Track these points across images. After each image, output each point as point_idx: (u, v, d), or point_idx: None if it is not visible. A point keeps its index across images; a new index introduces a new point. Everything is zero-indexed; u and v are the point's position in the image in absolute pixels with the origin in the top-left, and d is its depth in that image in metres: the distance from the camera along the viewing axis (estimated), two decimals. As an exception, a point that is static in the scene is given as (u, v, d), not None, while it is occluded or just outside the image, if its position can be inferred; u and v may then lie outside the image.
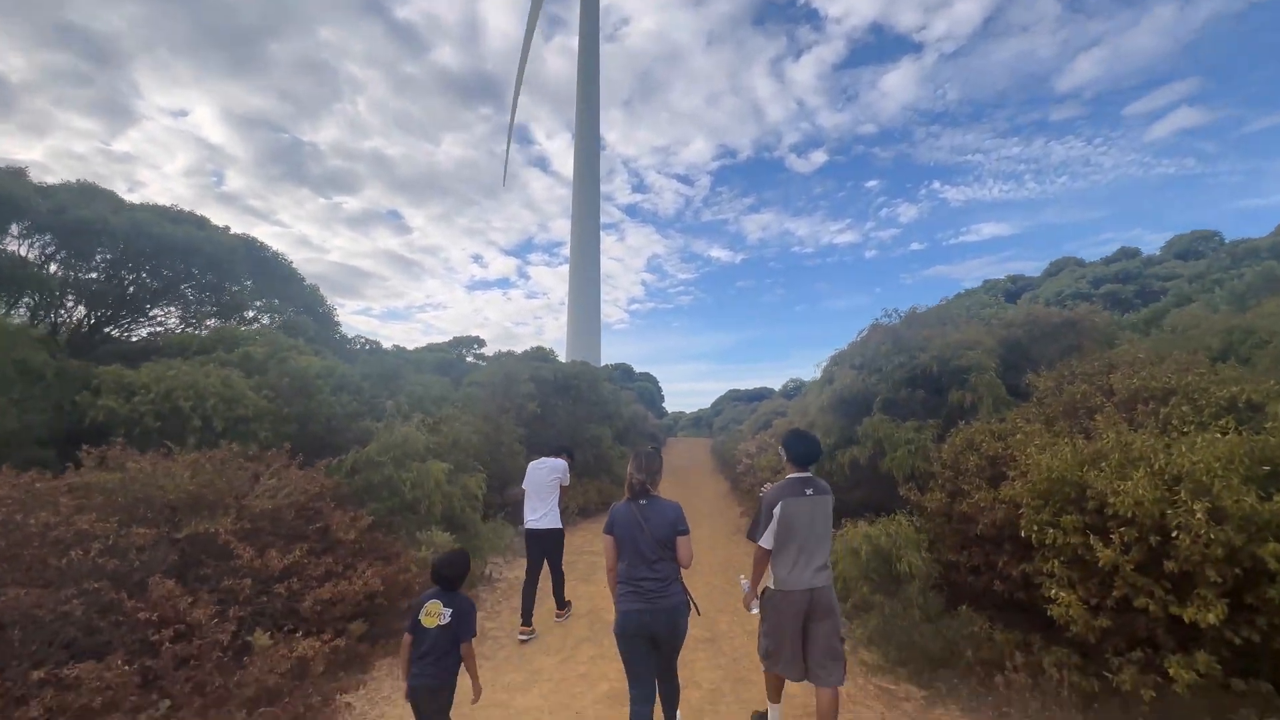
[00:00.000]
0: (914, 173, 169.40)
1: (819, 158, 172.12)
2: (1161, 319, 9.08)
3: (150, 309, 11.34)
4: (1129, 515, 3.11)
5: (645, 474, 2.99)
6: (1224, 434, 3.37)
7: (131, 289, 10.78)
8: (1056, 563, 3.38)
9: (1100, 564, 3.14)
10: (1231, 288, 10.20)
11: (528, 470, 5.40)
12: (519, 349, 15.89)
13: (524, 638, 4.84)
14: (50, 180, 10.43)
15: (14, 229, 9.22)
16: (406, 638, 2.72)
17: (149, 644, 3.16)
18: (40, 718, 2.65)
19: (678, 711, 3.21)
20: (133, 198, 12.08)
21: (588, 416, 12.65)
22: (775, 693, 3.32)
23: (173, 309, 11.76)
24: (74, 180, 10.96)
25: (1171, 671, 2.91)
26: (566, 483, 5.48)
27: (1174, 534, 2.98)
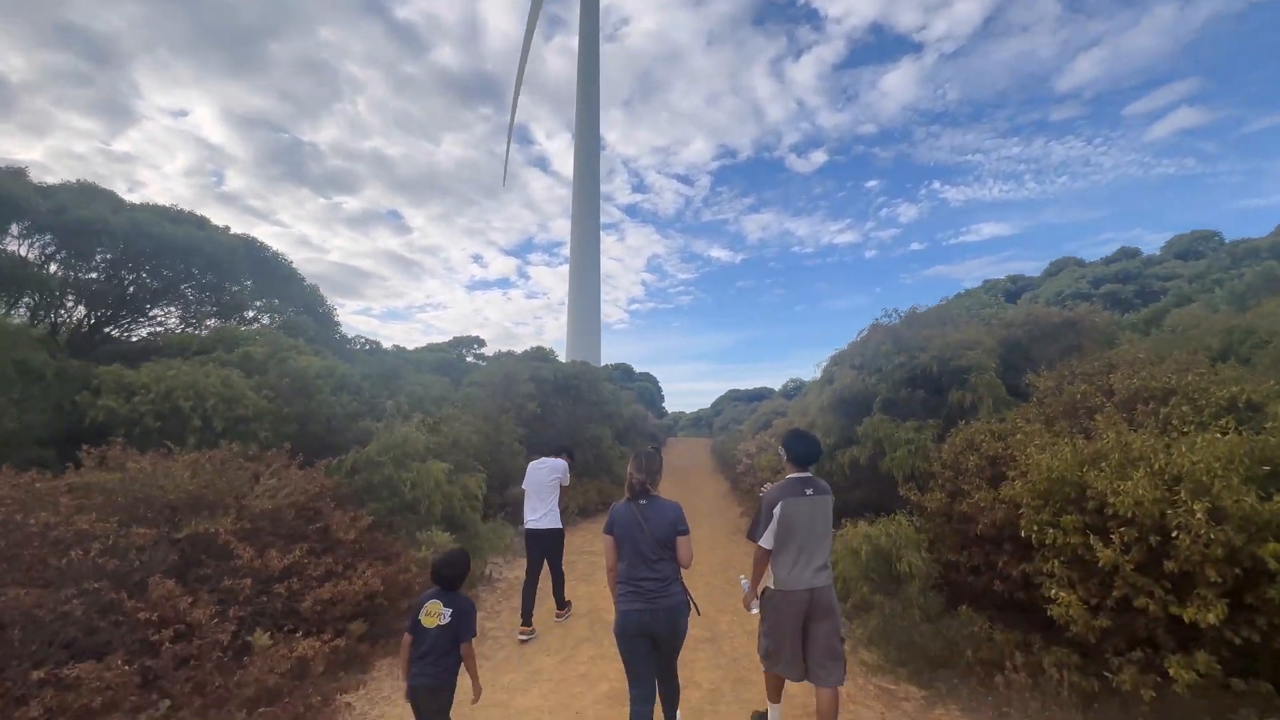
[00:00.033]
0: (914, 173, 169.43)
1: (819, 158, 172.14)
2: (1162, 319, 9.08)
3: (150, 309, 11.35)
4: (1129, 515, 3.12)
5: (645, 474, 2.99)
6: (1224, 434, 3.38)
7: (131, 289, 10.78)
8: (1056, 563, 3.38)
9: (1100, 564, 3.14)
10: (1231, 288, 10.19)
11: (528, 470, 5.39)
12: (519, 349, 15.91)
13: (524, 638, 4.84)
14: (50, 180, 10.45)
15: (14, 229, 9.22)
16: (406, 638, 2.71)
17: (149, 644, 3.16)
18: (40, 718, 2.65)
19: (677, 712, 3.21)
20: (133, 198, 12.10)
21: (588, 416, 12.65)
22: (775, 693, 3.32)
23: (173, 309, 11.77)
24: (74, 180, 10.96)
25: (1171, 671, 2.91)
26: (567, 483, 5.47)
27: (1174, 534, 2.98)
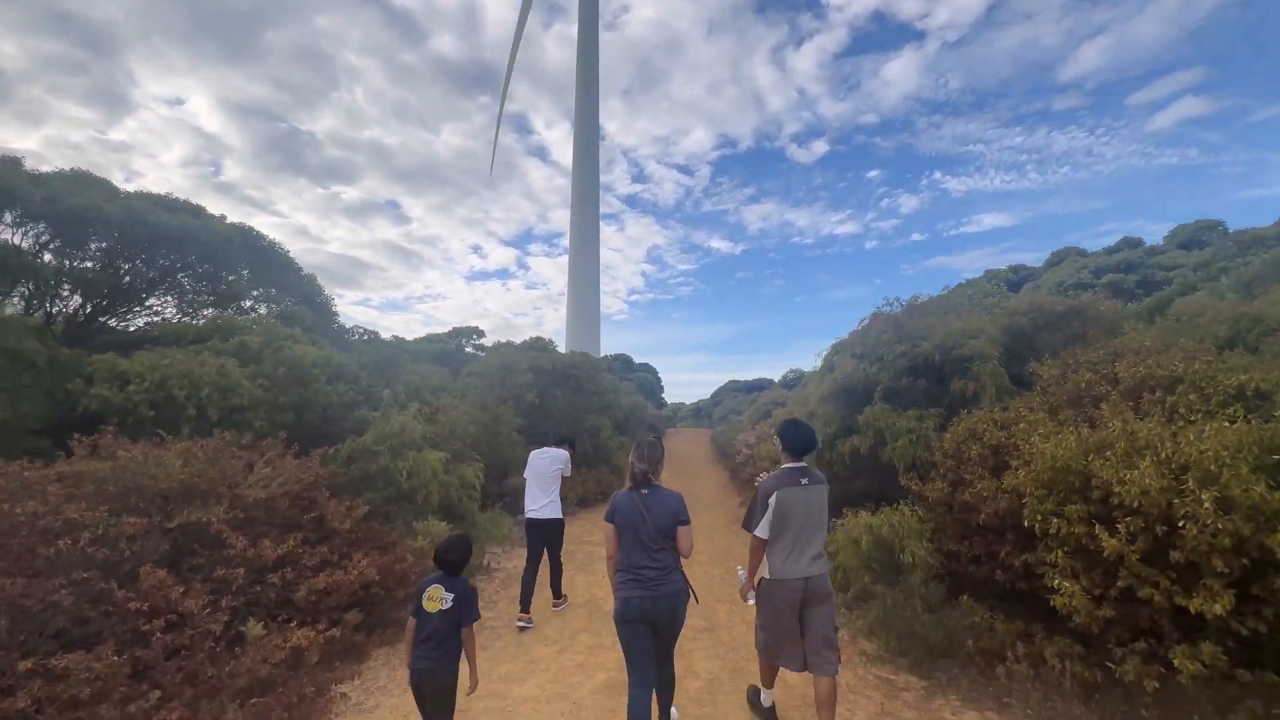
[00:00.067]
0: (915, 163, 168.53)
1: (820, 148, 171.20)
2: (1166, 308, 8.99)
3: (146, 298, 11.27)
4: (1135, 505, 3.06)
5: (648, 463, 2.98)
6: (1232, 422, 3.31)
7: (127, 278, 10.70)
8: (1060, 553, 3.34)
9: (1105, 554, 3.09)
10: (1238, 275, 10.08)
11: (529, 459, 5.35)
12: (519, 340, 15.83)
13: (522, 624, 4.82)
14: (47, 170, 10.29)
15: (7, 217, 9.12)
16: (411, 621, 2.71)
17: (140, 634, 3.12)
18: (28, 709, 2.61)
19: (673, 708, 3.19)
20: (130, 187, 11.97)
21: (587, 407, 12.60)
22: (770, 679, 3.34)
23: (169, 298, 11.69)
24: (68, 168, 10.84)
25: (1176, 662, 2.87)
26: (568, 473, 5.44)
27: (1181, 524, 2.93)
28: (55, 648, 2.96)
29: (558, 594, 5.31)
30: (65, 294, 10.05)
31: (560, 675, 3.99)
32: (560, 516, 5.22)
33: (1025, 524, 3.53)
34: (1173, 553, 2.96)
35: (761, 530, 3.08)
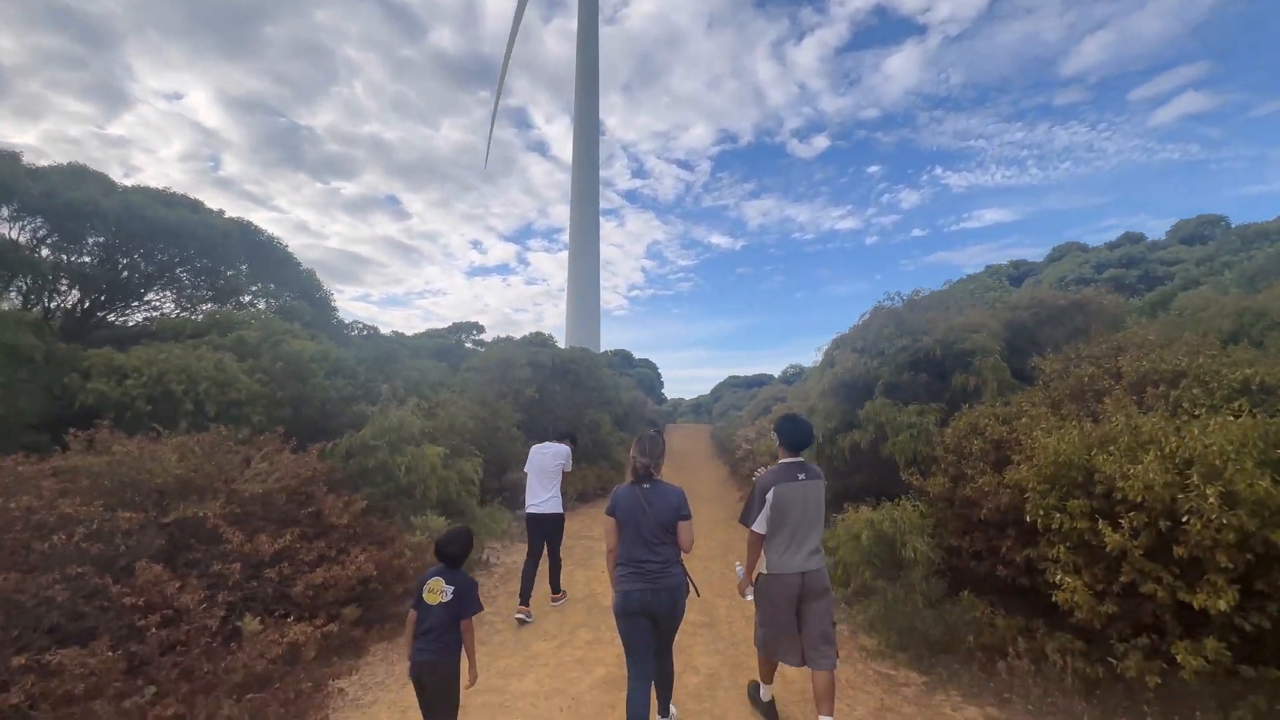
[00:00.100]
0: (916, 158, 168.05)
1: (821, 143, 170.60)
2: (1169, 303, 8.94)
3: (145, 293, 11.21)
4: (1138, 500, 3.03)
5: (649, 458, 2.98)
6: (1237, 417, 3.29)
7: (125, 273, 10.65)
8: (1062, 548, 3.31)
9: (1107, 549, 3.07)
10: (1242, 269, 10.01)
11: (530, 454, 5.33)
12: (519, 335, 15.79)
13: (521, 616, 4.82)
14: (45, 165, 10.23)
15: (4, 211, 9.06)
16: (411, 614, 2.71)
17: (135, 629, 3.10)
18: (22, 704, 2.59)
19: (671, 704, 3.18)
20: (128, 183, 11.90)
21: (586, 402, 12.57)
22: (769, 675, 3.34)
23: (168, 293, 11.63)
24: (65, 163, 10.78)
25: (1179, 658, 2.85)
26: (569, 468, 5.42)
27: (1184, 519, 2.90)
28: (50, 643, 2.94)
29: (556, 589, 5.29)
30: (63, 289, 10.01)
31: (559, 670, 3.98)
32: (561, 511, 5.21)
33: (1027, 519, 3.51)
34: (1176, 548, 2.93)
35: (759, 525, 3.08)
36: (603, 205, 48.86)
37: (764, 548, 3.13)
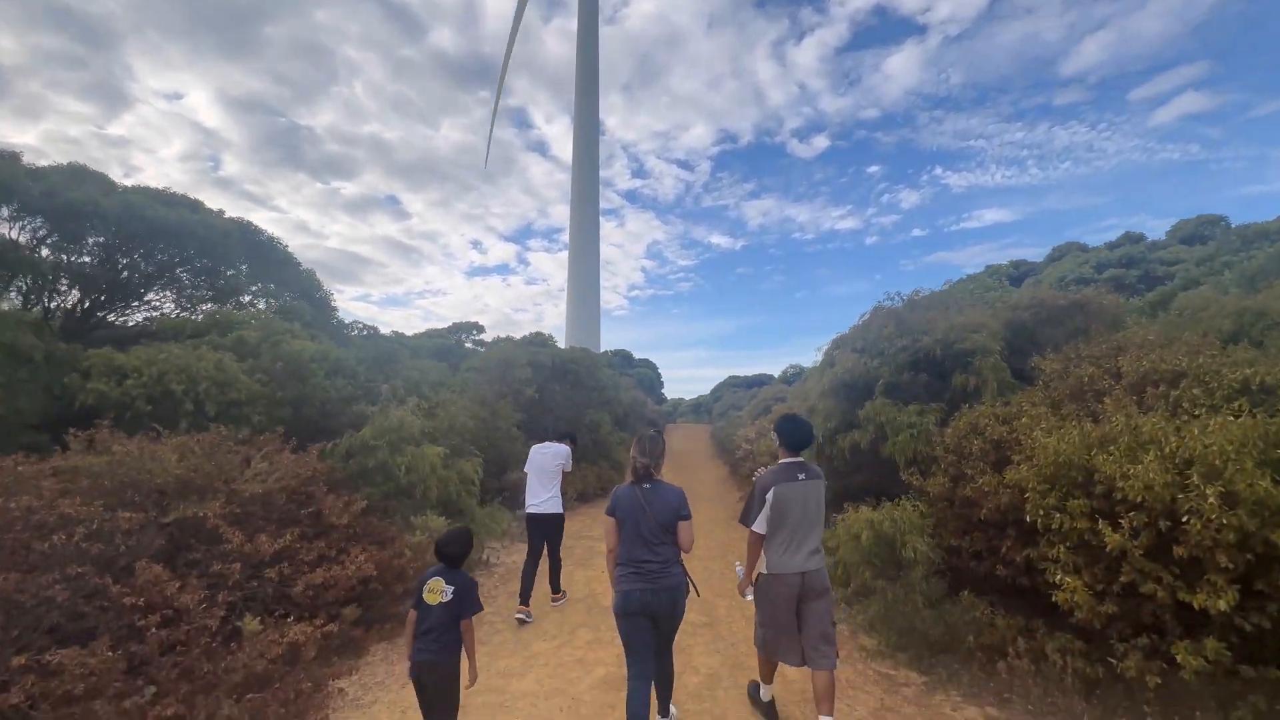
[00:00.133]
0: (916, 158, 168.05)
1: (821, 143, 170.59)
2: (1169, 302, 8.93)
3: (145, 293, 11.21)
4: (1138, 500, 3.04)
5: (650, 458, 2.98)
6: (1237, 417, 3.29)
7: (125, 273, 10.64)
8: (1062, 548, 3.31)
9: (1108, 549, 3.07)
10: (1242, 270, 10.00)
11: (530, 453, 5.33)
12: (519, 335, 15.79)
13: (521, 616, 4.83)
14: (45, 165, 10.22)
15: (4, 211, 9.06)
16: (411, 614, 2.71)
17: (135, 630, 3.10)
18: (22, 704, 2.59)
19: (671, 705, 3.18)
20: (128, 183, 11.89)
21: (586, 402, 12.57)
22: (769, 675, 3.34)
23: (168, 293, 11.63)
24: (64, 162, 10.77)
25: (1179, 658, 2.85)
26: (569, 468, 5.42)
27: (1184, 519, 2.90)
28: (50, 643, 2.94)
29: (556, 589, 5.29)
30: (64, 289, 10.01)
31: (559, 670, 3.98)
32: (561, 511, 5.21)
33: (1027, 519, 3.51)
34: (1176, 548, 2.93)
35: (759, 526, 3.08)
36: (603, 205, 48.88)
37: (764, 548, 3.13)
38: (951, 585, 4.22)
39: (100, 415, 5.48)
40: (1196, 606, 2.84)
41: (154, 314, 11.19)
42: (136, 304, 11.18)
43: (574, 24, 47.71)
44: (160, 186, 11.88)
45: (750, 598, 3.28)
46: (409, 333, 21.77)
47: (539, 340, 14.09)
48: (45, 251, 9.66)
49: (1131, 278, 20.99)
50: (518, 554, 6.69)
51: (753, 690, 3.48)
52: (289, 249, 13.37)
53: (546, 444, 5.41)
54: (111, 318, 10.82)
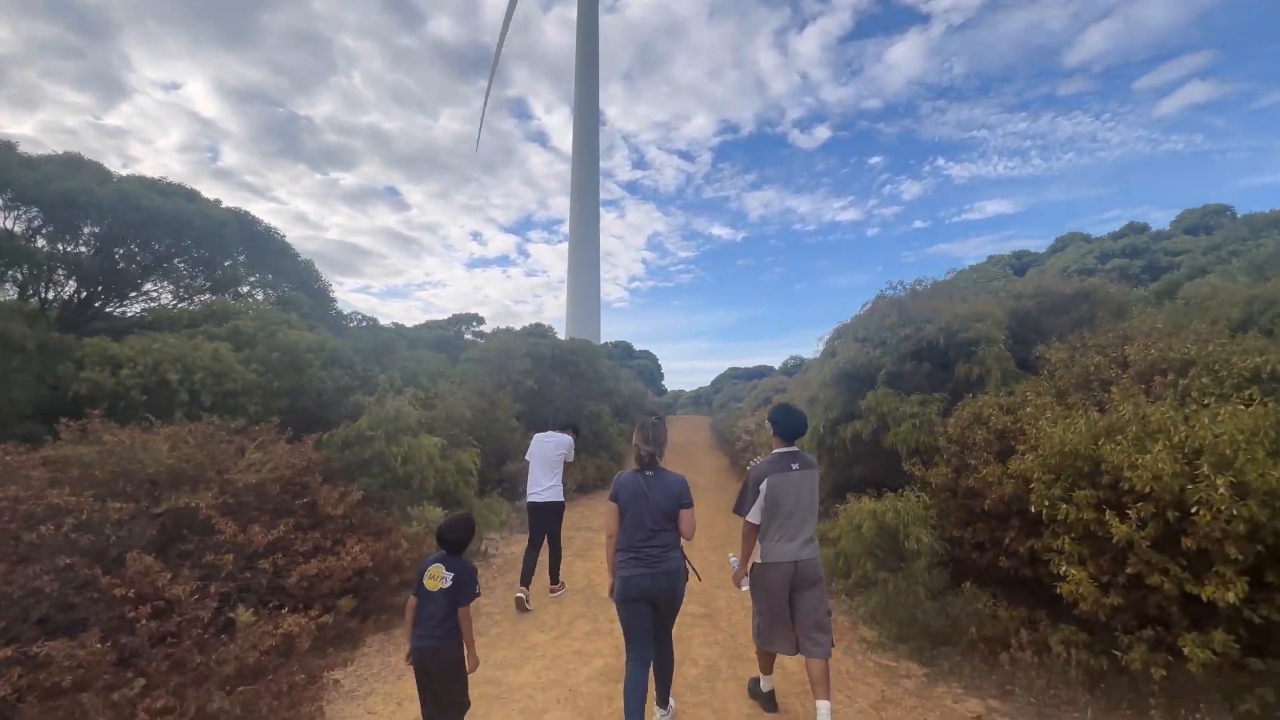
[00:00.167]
0: (918, 149, 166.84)
1: (822, 133, 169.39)
2: (1175, 292, 8.82)
3: (142, 284, 11.13)
4: (1146, 490, 2.97)
5: (653, 445, 3.00)
6: (1247, 405, 3.22)
7: (121, 263, 10.56)
8: (1067, 539, 3.26)
9: (1114, 540, 3.01)
10: (1251, 258, 9.87)
11: (533, 442, 5.30)
12: (518, 327, 15.71)
13: (520, 595, 4.86)
14: (39, 154, 10.11)
15: (-2, 201, 8.97)
16: (411, 600, 2.70)
17: (126, 621, 3.06)
18: (9, 697, 2.55)
19: (671, 698, 3.15)
20: (127, 174, 11.77)
21: (586, 393, 12.51)
22: (768, 666, 3.32)
23: (165, 284, 11.55)
24: (59, 152, 10.66)
25: (1186, 650, 2.79)
26: (570, 458, 5.40)
27: (1193, 509, 2.84)
28: (39, 634, 2.89)
29: (555, 579, 5.26)
30: (60, 279, 9.94)
31: (557, 662, 3.95)
32: (561, 500, 5.22)
33: (1032, 510, 3.45)
34: (1184, 539, 2.87)
35: (753, 515, 3.09)
36: (603, 196, 48.62)
37: (759, 537, 3.14)
38: (954, 577, 4.17)
39: (94, 405, 5.44)
40: (1205, 599, 2.78)
41: (152, 305, 11.13)
42: (134, 295, 11.11)
43: (574, 12, 47.23)
44: (156, 176, 11.76)
45: (746, 588, 3.26)
46: (409, 324, 21.69)
47: (538, 331, 14.01)
48: (41, 242, 9.58)
49: (1135, 268, 20.83)
50: (516, 545, 6.66)
51: (753, 685, 3.45)
52: (286, 239, 13.26)
53: (549, 433, 5.38)
54: (109, 309, 10.75)
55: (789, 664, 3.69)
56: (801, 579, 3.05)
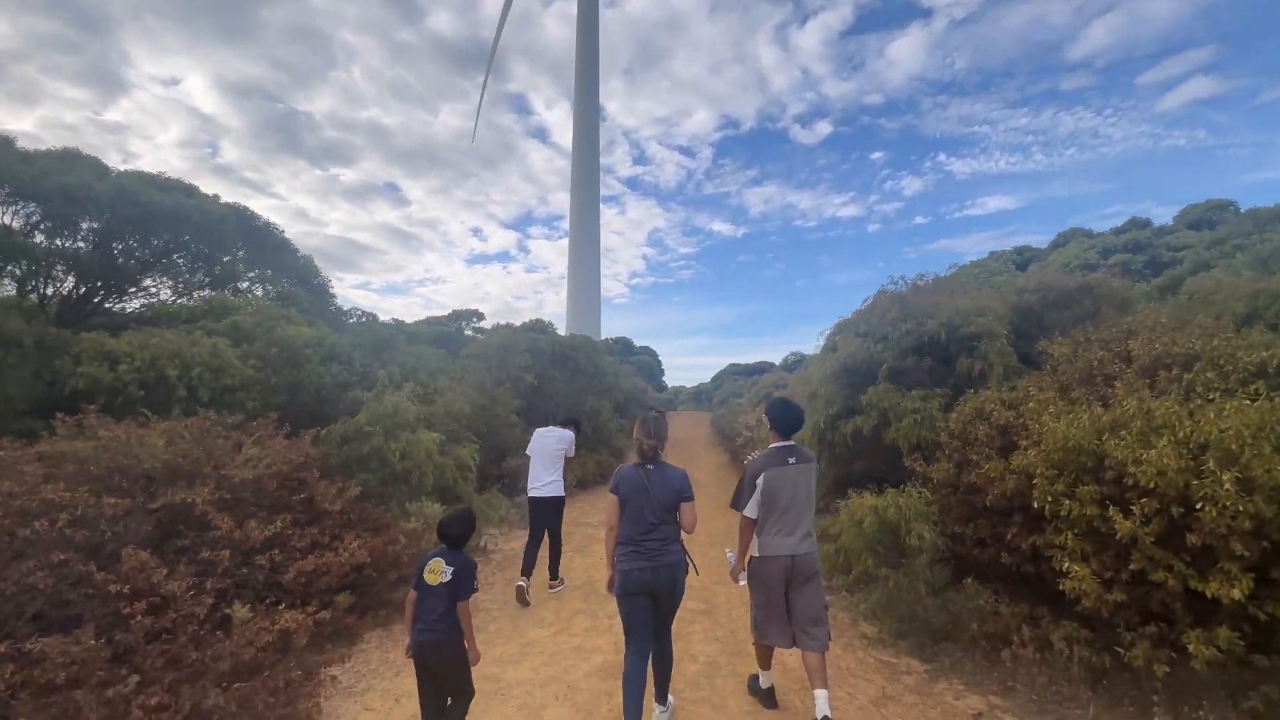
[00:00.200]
0: (919, 144, 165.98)
1: (823, 129, 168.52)
2: (1178, 287, 8.77)
3: (141, 279, 11.10)
4: (1150, 486, 2.94)
5: (655, 439, 3.00)
6: (1253, 400, 3.19)
7: (120, 259, 10.52)
8: (1070, 535, 3.23)
9: (1117, 536, 2.98)
10: (1255, 252, 9.80)
11: (534, 437, 5.29)
12: (519, 323, 15.68)
13: (521, 584, 4.87)
14: (37, 149, 10.06)
15: (-4, 196, 8.93)
16: (411, 595, 2.70)
17: (121, 617, 3.03)
18: (2, 693, 2.53)
19: (670, 694, 3.13)
20: (126, 169, 11.73)
21: (586, 389, 12.48)
22: (765, 660, 3.31)
23: (165, 279, 11.52)
24: (57, 147, 10.61)
25: (1191, 647, 2.77)
26: (571, 454, 5.39)
27: (1198, 505, 2.80)
28: (33, 631, 2.87)
29: (555, 574, 5.24)
30: (59, 275, 9.90)
31: (556, 658, 3.93)
32: (562, 495, 5.22)
33: (1035, 505, 3.42)
34: (1189, 535, 2.84)
35: (750, 510, 3.10)
36: (603, 192, 48.48)
37: (756, 531, 3.14)
38: (955, 573, 4.15)
39: (92, 400, 5.41)
40: (1209, 595, 2.75)
41: (151, 300, 11.10)
42: (133, 290, 11.07)
43: (574, 7, 46.99)
44: (155, 172, 11.71)
45: (743, 583, 3.25)
46: (409, 320, 21.69)
47: (538, 327, 13.98)
48: (39, 237, 9.54)
49: (1138, 263, 20.75)
50: (515, 541, 6.65)
51: (753, 682, 3.43)
52: (285, 235, 13.22)
53: (550, 428, 5.38)
54: (108, 304, 10.72)
55: (788, 660, 3.67)
56: (798, 573, 3.05)
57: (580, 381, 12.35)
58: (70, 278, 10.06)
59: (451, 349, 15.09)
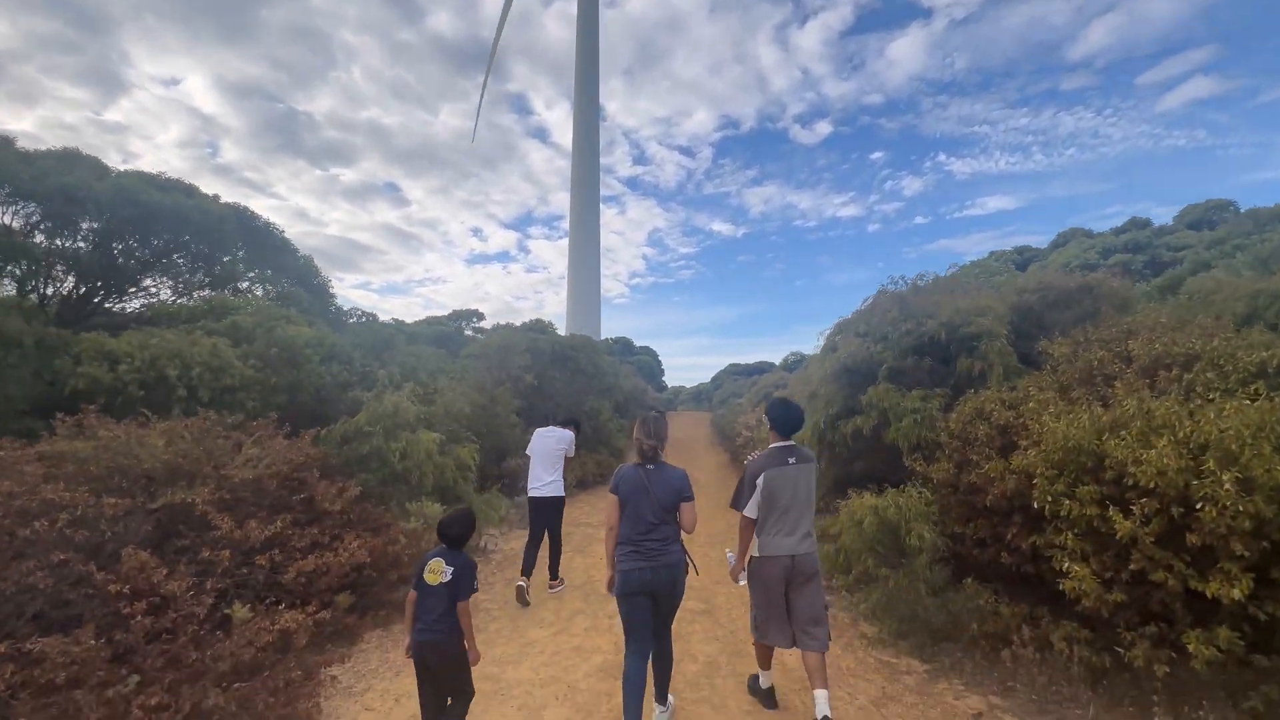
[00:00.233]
0: (919, 144, 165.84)
1: (823, 129, 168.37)
2: (1178, 287, 8.77)
3: (141, 279, 11.11)
4: (1150, 486, 2.94)
5: (655, 439, 3.00)
6: (1254, 400, 3.19)
7: (120, 258, 10.53)
8: (1070, 535, 3.23)
9: (1118, 536, 2.98)
10: (1255, 252, 9.80)
11: (534, 436, 5.29)
12: (519, 323, 15.69)
13: (521, 584, 4.87)
14: (37, 149, 10.06)
15: (-4, 196, 8.93)
16: (411, 594, 2.70)
17: (121, 617, 3.03)
18: (2, 693, 2.53)
19: (670, 694, 3.13)
20: (126, 168, 11.73)
21: (586, 389, 12.48)
22: (765, 660, 3.31)
23: (165, 279, 11.52)
24: (57, 147, 10.61)
25: (1191, 647, 2.76)
26: (572, 454, 5.39)
27: (1199, 505, 2.80)
28: (32, 631, 2.87)
29: (555, 575, 5.24)
30: (59, 275, 9.90)
31: (556, 658, 3.93)
32: (562, 495, 5.22)
33: (1035, 505, 3.42)
34: (1189, 535, 2.84)
35: (750, 510, 3.10)
36: (603, 192, 48.48)
37: (756, 531, 3.14)
38: (955, 573, 4.15)
39: (92, 400, 5.41)
40: (1209, 595, 2.75)
41: (151, 300, 11.10)
42: (133, 290, 11.08)
43: (574, 7, 46.97)
44: (155, 172, 11.71)
45: (743, 583, 3.25)
46: (409, 320, 21.70)
47: (538, 327, 13.98)
48: (39, 237, 9.54)
49: (1138, 263, 20.75)
50: (515, 540, 6.65)
51: (753, 682, 3.44)
52: (285, 234, 13.23)
53: (550, 428, 5.38)
54: (108, 304, 10.72)
55: (788, 660, 3.67)
56: (798, 573, 3.05)
57: (580, 381, 12.35)
58: (70, 278, 10.06)
59: (451, 349, 15.09)
